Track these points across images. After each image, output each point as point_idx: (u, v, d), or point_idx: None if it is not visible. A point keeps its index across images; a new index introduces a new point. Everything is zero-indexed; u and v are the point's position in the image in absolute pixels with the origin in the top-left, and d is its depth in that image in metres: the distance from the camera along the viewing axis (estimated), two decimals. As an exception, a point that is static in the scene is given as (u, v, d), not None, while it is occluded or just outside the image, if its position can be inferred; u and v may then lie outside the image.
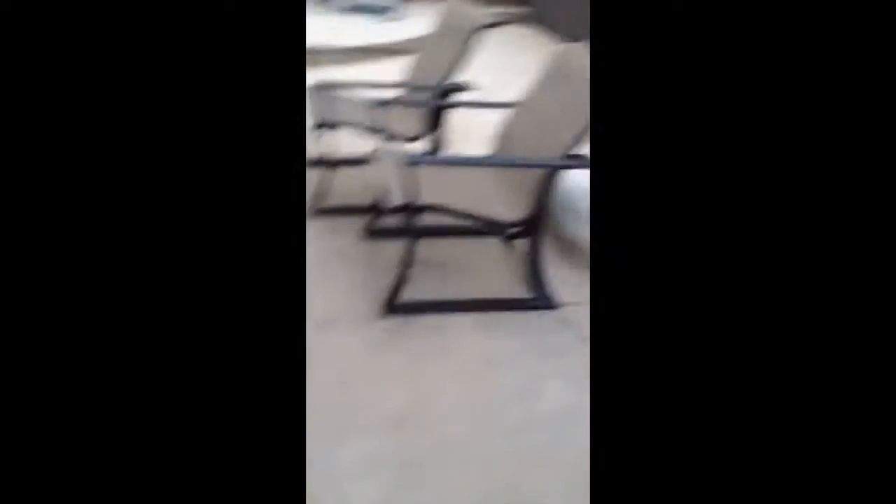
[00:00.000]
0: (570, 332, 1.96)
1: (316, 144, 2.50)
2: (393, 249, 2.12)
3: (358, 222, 2.40)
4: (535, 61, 4.25)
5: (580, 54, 2.11)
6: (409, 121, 2.59)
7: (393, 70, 3.02)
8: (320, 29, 4.94)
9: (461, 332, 1.93)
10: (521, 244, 2.07)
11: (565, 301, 2.07)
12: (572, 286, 2.14)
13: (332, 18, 5.35)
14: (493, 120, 2.32)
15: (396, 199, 1.88)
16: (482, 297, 2.07)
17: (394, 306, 1.96)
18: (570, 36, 5.36)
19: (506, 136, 2.25)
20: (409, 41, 4.70)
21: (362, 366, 1.76)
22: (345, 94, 2.58)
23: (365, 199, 2.40)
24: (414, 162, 1.90)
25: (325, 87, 2.52)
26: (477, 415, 1.62)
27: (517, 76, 3.82)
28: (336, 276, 2.15)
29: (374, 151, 2.25)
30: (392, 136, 2.45)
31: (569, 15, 5.38)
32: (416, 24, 5.12)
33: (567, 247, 2.37)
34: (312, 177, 2.64)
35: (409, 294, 1.99)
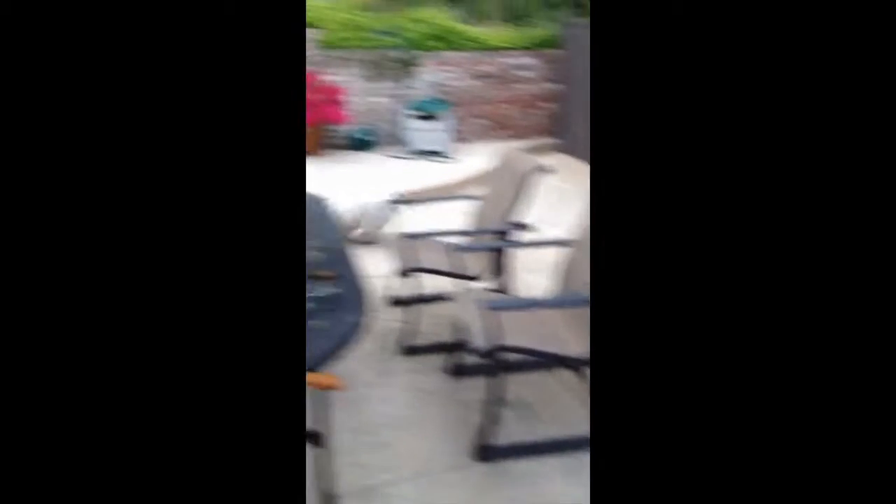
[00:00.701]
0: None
1: (402, 286, 2.56)
2: (477, 386, 2.08)
3: (442, 360, 2.39)
4: (575, 187, 4.30)
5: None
6: (480, 262, 2.64)
7: (459, 207, 3.11)
8: (399, 171, 5.24)
9: (552, 478, 1.83)
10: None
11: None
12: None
13: (405, 162, 5.70)
14: (548, 253, 2.36)
15: (479, 341, 1.87)
16: (567, 437, 1.98)
17: (485, 451, 1.89)
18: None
19: (567, 273, 2.26)
20: (469, 180, 4.92)
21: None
22: (424, 241, 2.67)
23: (447, 337, 2.40)
24: (495, 307, 1.91)
25: (408, 237, 2.62)
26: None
27: (563, 203, 3.91)
28: (424, 419, 2.11)
29: (456, 294, 2.28)
30: (467, 278, 2.49)
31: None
32: (470, 165, 5.38)
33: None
34: (399, 316, 2.69)
35: (497, 435, 1.92)
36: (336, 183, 4.38)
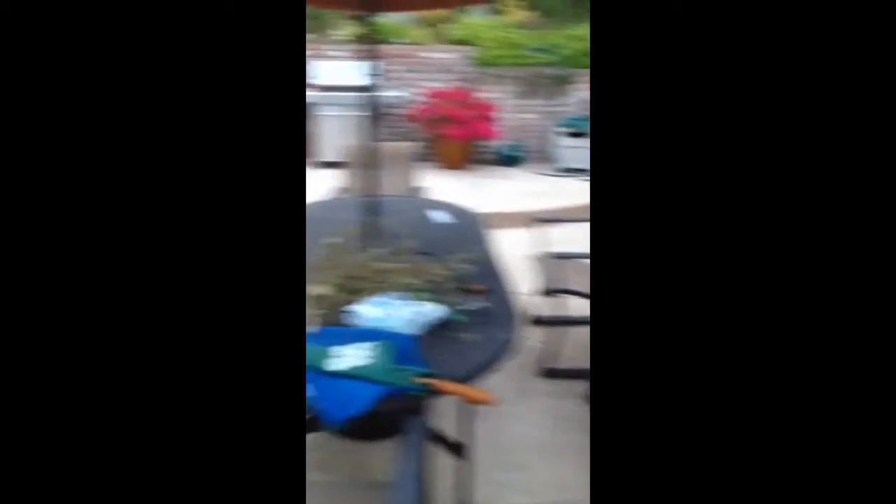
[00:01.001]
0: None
1: (545, 305, 2.53)
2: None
3: (582, 386, 2.31)
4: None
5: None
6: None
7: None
8: (546, 188, 5.22)
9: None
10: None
11: None
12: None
13: (552, 180, 5.66)
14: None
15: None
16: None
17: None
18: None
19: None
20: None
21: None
22: (572, 262, 2.61)
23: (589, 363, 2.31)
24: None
25: (555, 257, 2.58)
26: None
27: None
28: (562, 444, 2.04)
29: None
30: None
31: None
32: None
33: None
34: (540, 336, 2.65)
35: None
36: (484, 196, 4.45)
